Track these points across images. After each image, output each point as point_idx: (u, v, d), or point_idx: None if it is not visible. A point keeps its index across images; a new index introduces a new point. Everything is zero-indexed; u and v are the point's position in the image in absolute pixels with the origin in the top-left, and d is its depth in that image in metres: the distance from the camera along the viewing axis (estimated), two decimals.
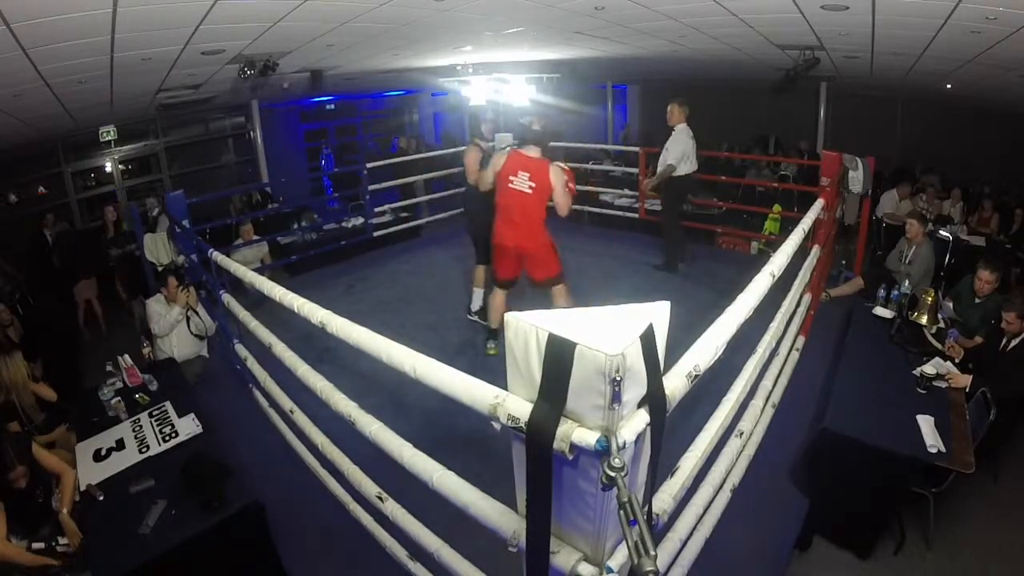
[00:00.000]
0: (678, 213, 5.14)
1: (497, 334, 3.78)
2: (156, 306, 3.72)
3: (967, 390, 2.82)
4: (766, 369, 2.55)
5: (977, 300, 3.53)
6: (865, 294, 4.13)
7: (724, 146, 9.03)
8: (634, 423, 0.96)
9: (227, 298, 3.02)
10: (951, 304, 3.74)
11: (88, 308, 5.67)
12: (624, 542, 0.84)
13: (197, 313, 3.80)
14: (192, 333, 3.76)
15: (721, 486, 1.99)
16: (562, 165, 3.46)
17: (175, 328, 3.70)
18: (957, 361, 3.08)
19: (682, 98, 4.84)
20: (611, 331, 0.90)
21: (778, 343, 2.74)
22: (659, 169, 4.88)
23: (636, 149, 6.63)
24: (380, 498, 1.98)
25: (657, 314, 0.97)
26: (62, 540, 2.31)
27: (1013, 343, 3.02)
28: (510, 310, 0.99)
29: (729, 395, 1.97)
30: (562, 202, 3.37)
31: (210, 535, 2.11)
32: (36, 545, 2.28)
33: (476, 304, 4.30)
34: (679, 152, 4.70)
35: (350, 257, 5.99)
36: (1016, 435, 3.04)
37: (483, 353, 3.85)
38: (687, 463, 1.55)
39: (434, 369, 1.28)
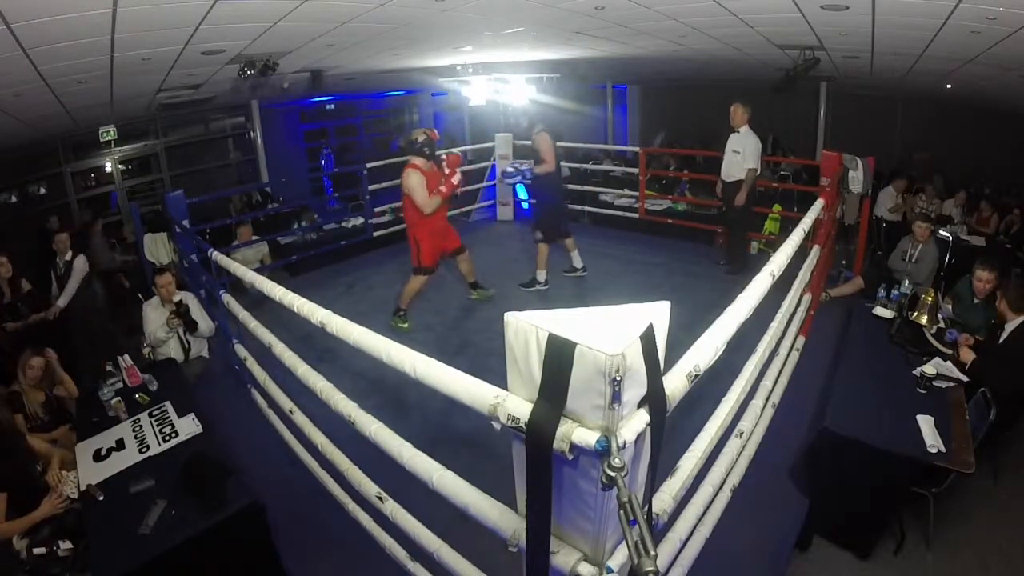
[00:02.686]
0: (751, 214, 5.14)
1: (398, 311, 4.32)
2: (151, 311, 3.73)
3: (970, 380, 2.80)
4: (766, 369, 2.55)
5: (976, 300, 3.53)
6: (865, 294, 4.13)
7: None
8: (634, 423, 0.96)
9: (227, 298, 3.01)
10: (951, 304, 3.74)
11: None
12: (624, 542, 0.84)
13: (188, 334, 3.79)
14: (182, 339, 3.78)
15: (721, 486, 1.98)
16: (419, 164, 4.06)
17: (166, 341, 3.70)
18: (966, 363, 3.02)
19: (745, 99, 4.83)
20: (611, 331, 0.90)
21: (778, 343, 2.73)
22: (725, 170, 4.91)
23: (636, 149, 6.63)
24: (380, 498, 1.98)
25: (657, 314, 0.97)
26: (63, 544, 2.30)
27: (1005, 334, 3.01)
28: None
29: (729, 395, 1.97)
30: (418, 201, 3.97)
31: (210, 535, 2.11)
32: (37, 550, 2.27)
33: (541, 277, 4.94)
34: (756, 154, 4.73)
35: (350, 257, 5.99)
36: (1016, 435, 3.03)
37: (481, 349, 3.87)
38: (687, 463, 1.55)
39: (434, 369, 1.28)
